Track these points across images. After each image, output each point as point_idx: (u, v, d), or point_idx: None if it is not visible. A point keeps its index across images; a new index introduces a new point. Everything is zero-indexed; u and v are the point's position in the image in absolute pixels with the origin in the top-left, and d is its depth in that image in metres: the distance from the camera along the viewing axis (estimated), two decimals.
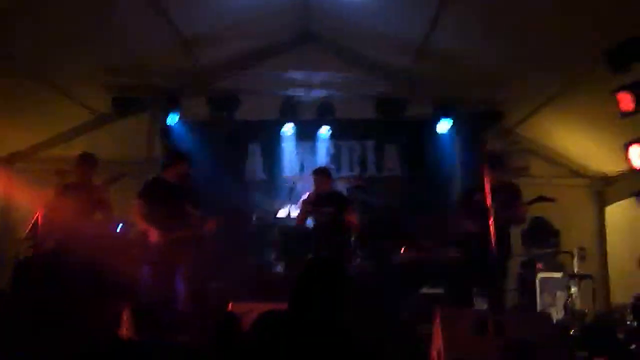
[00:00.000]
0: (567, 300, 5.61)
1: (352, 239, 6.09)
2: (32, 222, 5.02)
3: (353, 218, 5.93)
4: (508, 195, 5.18)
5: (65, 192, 5.33)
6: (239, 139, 7.83)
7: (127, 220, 6.40)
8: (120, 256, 5.62)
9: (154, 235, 5.07)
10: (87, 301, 4.18)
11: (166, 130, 7.57)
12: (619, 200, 7.29)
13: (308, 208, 5.88)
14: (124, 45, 6.31)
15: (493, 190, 4.95)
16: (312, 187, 6.18)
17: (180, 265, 5.20)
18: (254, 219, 6.93)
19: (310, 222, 6.30)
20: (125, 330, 3.64)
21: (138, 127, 7.66)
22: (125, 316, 3.80)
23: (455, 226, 5.60)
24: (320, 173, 6.19)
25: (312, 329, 2.57)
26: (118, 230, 6.42)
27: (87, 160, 5.59)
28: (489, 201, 4.77)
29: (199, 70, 7.61)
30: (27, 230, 5.16)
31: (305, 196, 6.23)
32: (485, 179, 4.91)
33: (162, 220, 5.17)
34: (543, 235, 6.68)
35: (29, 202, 5.75)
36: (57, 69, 6.28)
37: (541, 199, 5.36)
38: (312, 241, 5.93)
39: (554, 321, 5.24)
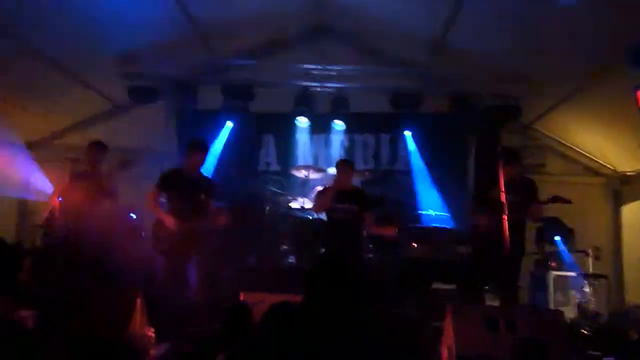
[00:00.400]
0: (581, 300, 5.55)
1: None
2: (48, 210, 5.08)
3: (371, 219, 5.82)
4: (524, 192, 5.12)
5: (75, 181, 5.36)
6: (253, 130, 7.85)
7: (141, 210, 6.45)
8: (133, 245, 5.69)
9: (170, 222, 5.09)
10: (100, 291, 4.21)
11: (181, 119, 7.61)
12: (636, 199, 7.20)
13: (329, 202, 5.62)
14: (140, 34, 6.35)
15: (508, 186, 4.91)
16: (333, 179, 5.88)
17: (193, 256, 5.23)
18: (267, 210, 6.94)
19: (320, 215, 6.25)
20: (137, 319, 3.67)
21: (154, 117, 7.69)
22: (138, 305, 3.83)
23: (470, 221, 5.55)
24: (346, 165, 5.88)
25: (324, 322, 2.57)
26: (132, 219, 6.47)
27: (97, 148, 5.61)
28: (503, 197, 4.72)
29: (215, 61, 7.62)
30: (43, 219, 5.22)
31: (325, 187, 5.99)
32: (500, 175, 4.86)
33: (178, 211, 5.20)
34: (557, 234, 6.60)
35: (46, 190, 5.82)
36: (74, 58, 6.34)
37: (557, 199, 5.29)
38: (326, 235, 5.84)
39: (567, 320, 5.19)
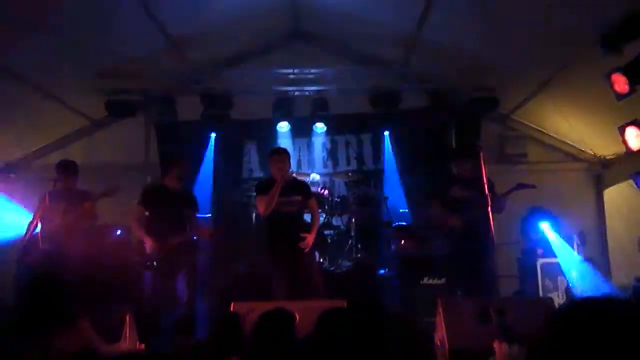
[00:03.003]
0: (569, 284, 5.61)
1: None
2: (29, 231, 5.02)
3: (315, 204, 5.61)
4: (483, 186, 5.18)
5: (52, 201, 5.31)
6: (234, 138, 7.83)
7: (126, 226, 6.41)
8: (119, 262, 5.65)
9: (148, 245, 5.07)
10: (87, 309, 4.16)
11: (161, 132, 7.57)
12: (617, 183, 7.28)
13: (275, 197, 5.16)
14: (115, 49, 6.30)
15: (468, 182, 5.02)
16: (274, 172, 5.34)
17: (181, 269, 5.20)
18: (253, 217, 6.92)
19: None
20: (127, 336, 3.64)
21: (133, 131, 7.64)
22: (128, 321, 3.80)
23: (436, 220, 5.58)
24: (284, 153, 5.45)
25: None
26: (117, 235, 6.43)
27: (65, 168, 5.57)
28: (466, 194, 4.85)
29: (192, 71, 7.60)
30: (22, 239, 5.15)
31: (264, 183, 5.55)
32: (459, 171, 5.08)
33: (162, 226, 5.17)
34: (542, 221, 6.67)
35: (26, 210, 5.74)
36: (49, 76, 6.27)
37: (520, 186, 5.39)
38: (272, 231, 5.36)
39: (556, 306, 5.25)
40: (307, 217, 5.65)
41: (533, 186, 5.50)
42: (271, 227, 5.35)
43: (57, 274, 3.37)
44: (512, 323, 3.67)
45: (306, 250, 5.26)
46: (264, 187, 5.39)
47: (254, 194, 7.36)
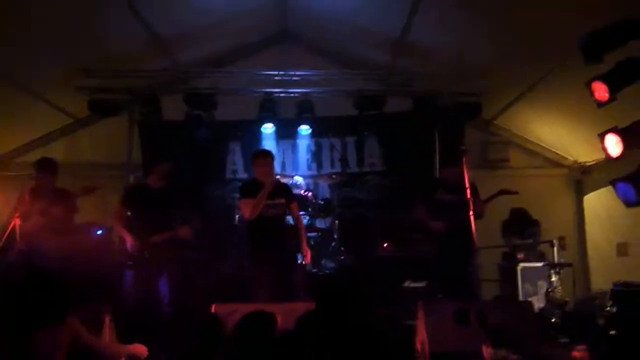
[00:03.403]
0: (548, 289, 5.68)
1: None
2: (8, 229, 4.95)
3: (296, 208, 5.58)
4: (466, 191, 5.23)
5: (32, 199, 5.24)
6: (219, 138, 7.78)
7: (107, 225, 6.35)
8: (99, 261, 5.59)
9: (129, 242, 5.04)
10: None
11: (144, 131, 7.52)
12: (597, 189, 7.40)
13: (262, 202, 5.11)
14: (98, 47, 6.26)
15: (452, 187, 5.08)
16: (260, 175, 5.30)
17: (162, 269, 5.17)
18: (236, 218, 6.90)
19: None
20: (107, 336, 3.60)
21: (116, 130, 7.58)
22: (107, 321, 3.76)
23: (419, 223, 5.64)
24: (269, 156, 5.38)
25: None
26: (98, 234, 6.37)
27: (44, 166, 5.52)
28: (450, 198, 4.90)
29: (176, 70, 7.55)
30: (1, 238, 5.08)
31: (247, 185, 5.47)
32: (444, 175, 5.15)
33: (145, 226, 5.13)
34: (523, 226, 6.75)
35: (6, 209, 5.66)
36: (32, 73, 6.19)
37: (502, 192, 5.46)
38: (257, 234, 5.27)
39: (536, 310, 5.31)
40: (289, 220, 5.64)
41: (515, 192, 5.58)
42: (254, 229, 5.30)
43: (46, 270, 3.33)
44: (499, 327, 3.73)
45: (307, 262, 5.32)
46: (248, 189, 5.34)
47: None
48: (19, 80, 6.26)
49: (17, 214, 4.93)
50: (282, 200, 5.31)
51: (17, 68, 6.00)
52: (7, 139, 7.41)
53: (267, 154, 5.44)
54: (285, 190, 5.49)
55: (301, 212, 5.92)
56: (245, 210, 5.31)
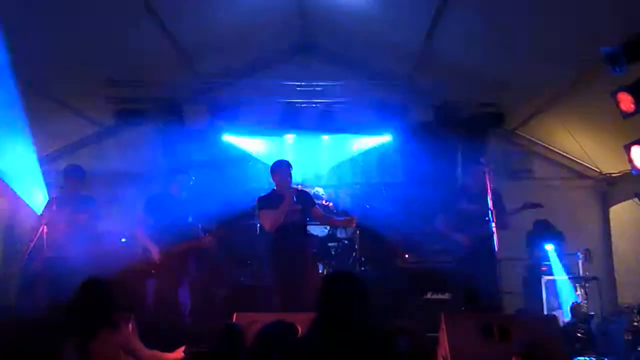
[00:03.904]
0: (574, 303, 5.58)
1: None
2: (35, 236, 5.04)
3: (319, 211, 5.61)
4: (493, 201, 5.18)
5: (58, 207, 5.33)
6: (240, 148, 7.85)
7: (130, 233, 6.43)
8: (123, 269, 5.65)
9: (154, 253, 5.09)
10: None
11: (168, 140, 7.61)
12: (623, 200, 7.26)
13: (284, 214, 5.12)
14: (124, 58, 6.36)
15: (476, 196, 5.02)
16: (281, 186, 5.33)
17: (184, 278, 5.21)
18: (257, 228, 6.93)
19: None
20: (129, 343, 3.64)
21: (141, 138, 7.71)
22: (130, 329, 3.80)
23: (442, 234, 5.59)
24: (289, 167, 5.40)
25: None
26: (122, 242, 6.45)
27: (71, 174, 5.62)
28: (473, 207, 4.84)
29: (200, 80, 7.65)
30: (29, 245, 5.17)
31: (267, 198, 5.41)
32: (468, 185, 5.05)
33: (166, 234, 5.18)
34: (547, 238, 6.64)
35: (34, 217, 5.76)
36: (61, 84, 6.32)
37: (527, 205, 5.40)
38: (276, 240, 5.29)
39: (561, 324, 5.22)
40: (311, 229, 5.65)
41: (540, 205, 5.49)
42: (275, 237, 5.31)
43: (105, 279, 3.57)
44: (526, 342, 3.68)
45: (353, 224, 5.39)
46: (267, 201, 5.33)
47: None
48: (48, 91, 6.40)
49: (44, 221, 5.01)
50: (300, 207, 5.29)
51: (49, 79, 6.14)
52: (36, 146, 7.55)
53: (286, 165, 5.44)
54: (304, 197, 5.48)
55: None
56: (265, 221, 5.31)
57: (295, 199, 5.26)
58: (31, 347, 3.35)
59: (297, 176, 7.72)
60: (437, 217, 5.56)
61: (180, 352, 3.81)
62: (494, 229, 4.85)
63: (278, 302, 5.03)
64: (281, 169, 5.36)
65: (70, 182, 5.55)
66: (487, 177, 4.93)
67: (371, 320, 2.70)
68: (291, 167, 5.42)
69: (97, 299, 3.35)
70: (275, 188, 5.37)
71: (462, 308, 5.40)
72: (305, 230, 5.54)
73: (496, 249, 4.91)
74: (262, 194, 5.58)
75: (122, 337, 3.43)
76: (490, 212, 4.85)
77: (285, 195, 5.16)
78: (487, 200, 4.90)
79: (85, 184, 5.74)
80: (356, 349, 2.48)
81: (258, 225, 6.86)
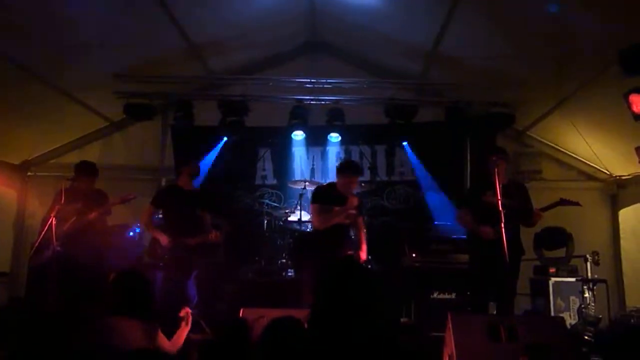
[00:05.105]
0: (581, 305, 5.54)
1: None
2: (44, 229, 5.07)
3: (362, 222, 5.64)
4: (518, 195, 5.09)
5: (68, 200, 5.36)
6: (249, 144, 7.87)
7: (139, 227, 6.47)
8: (131, 262, 5.68)
9: (164, 240, 5.11)
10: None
11: (177, 136, 7.64)
12: (633, 203, 7.21)
13: (337, 218, 5.09)
14: (135, 52, 6.38)
15: (504, 189, 4.85)
16: (342, 188, 5.25)
17: (193, 271, 5.23)
18: (264, 224, 6.95)
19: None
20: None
21: (150, 133, 7.74)
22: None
23: (467, 229, 5.51)
24: (359, 174, 5.40)
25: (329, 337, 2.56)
26: (130, 236, 6.48)
27: (84, 170, 5.64)
28: (501, 201, 4.67)
29: (210, 77, 7.67)
30: (38, 238, 5.20)
31: (324, 194, 5.34)
32: (496, 178, 4.66)
33: (175, 227, 5.21)
34: (556, 239, 6.60)
35: (42, 209, 5.81)
36: (70, 77, 6.36)
37: (563, 202, 5.25)
38: (323, 240, 5.27)
39: (568, 326, 5.19)
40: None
41: (577, 203, 5.35)
42: (318, 236, 5.27)
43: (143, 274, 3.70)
44: (533, 343, 3.65)
45: (363, 258, 5.26)
46: (325, 197, 5.22)
47: (266, 200, 7.45)
48: (58, 84, 6.44)
49: (53, 214, 5.04)
50: (358, 214, 5.31)
51: (57, 73, 6.17)
52: (44, 140, 7.61)
53: (358, 171, 5.38)
54: (360, 205, 5.47)
55: None
56: (318, 218, 5.22)
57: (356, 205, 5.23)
58: (42, 338, 3.37)
59: (306, 173, 7.77)
60: (458, 211, 5.47)
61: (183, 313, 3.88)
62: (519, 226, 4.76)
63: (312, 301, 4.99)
64: (351, 174, 5.24)
65: (82, 178, 5.57)
66: (503, 166, 4.84)
67: (376, 315, 2.66)
68: (361, 173, 5.44)
69: (139, 287, 3.50)
70: (335, 184, 5.29)
71: (468, 308, 5.37)
72: (349, 232, 5.54)
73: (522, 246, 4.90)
74: (320, 187, 5.51)
75: (153, 328, 3.50)
76: (517, 205, 4.77)
77: (349, 198, 5.12)
78: (513, 194, 4.82)
79: (96, 181, 5.76)
80: (359, 344, 2.47)
81: (265, 221, 6.89)
